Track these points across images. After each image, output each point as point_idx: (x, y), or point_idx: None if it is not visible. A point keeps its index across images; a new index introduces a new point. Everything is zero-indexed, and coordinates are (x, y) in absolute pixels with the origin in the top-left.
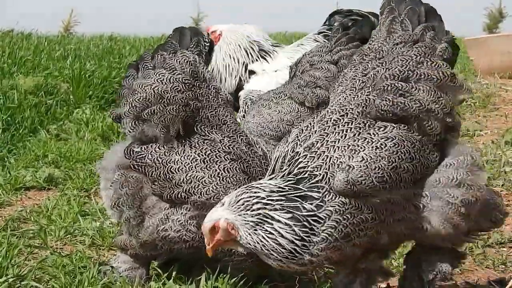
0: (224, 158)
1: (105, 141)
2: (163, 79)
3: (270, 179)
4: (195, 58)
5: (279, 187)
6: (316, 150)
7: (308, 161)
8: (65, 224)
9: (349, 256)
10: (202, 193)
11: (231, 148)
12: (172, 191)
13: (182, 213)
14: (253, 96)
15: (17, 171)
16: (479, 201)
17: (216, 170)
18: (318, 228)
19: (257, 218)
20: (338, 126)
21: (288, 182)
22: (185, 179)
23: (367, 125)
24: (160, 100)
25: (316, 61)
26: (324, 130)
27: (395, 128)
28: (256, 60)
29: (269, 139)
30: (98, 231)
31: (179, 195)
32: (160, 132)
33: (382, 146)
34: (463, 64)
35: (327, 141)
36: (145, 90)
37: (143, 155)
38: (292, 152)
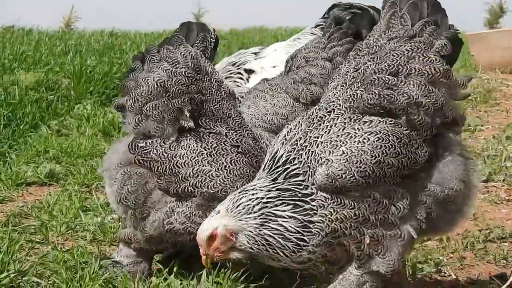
0: (231, 151)
1: (106, 137)
2: (167, 73)
3: (259, 179)
4: (197, 52)
5: (274, 184)
6: (300, 146)
7: (294, 158)
8: (66, 219)
9: (339, 256)
10: (210, 186)
11: (237, 142)
12: (178, 186)
13: (187, 205)
14: None
15: (18, 166)
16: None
17: (223, 163)
18: (313, 219)
19: (261, 219)
20: (324, 122)
21: (279, 178)
22: (191, 173)
23: (352, 120)
24: (164, 94)
25: (312, 58)
26: (309, 127)
27: (381, 123)
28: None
29: (264, 131)
30: (100, 227)
31: (185, 189)
32: (164, 126)
33: (364, 141)
34: (464, 59)
35: (311, 136)
36: (149, 83)
37: (148, 150)
38: (280, 152)
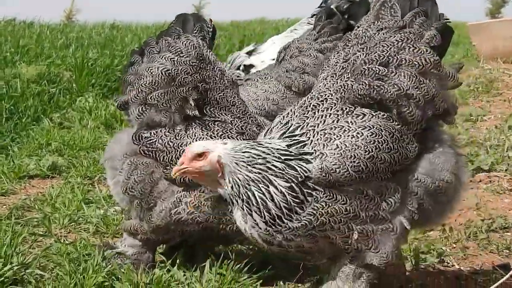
0: (237, 138)
1: (108, 129)
2: (171, 62)
3: (271, 138)
4: (198, 41)
5: (285, 150)
6: (296, 135)
7: (304, 132)
8: (69, 212)
9: (320, 248)
10: None
11: (242, 129)
12: None
13: (195, 195)
14: None
15: (21, 159)
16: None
17: None
18: (306, 207)
19: (256, 176)
20: (318, 111)
21: (292, 144)
22: None
23: (345, 112)
24: (169, 83)
25: (305, 48)
26: (304, 115)
27: (374, 117)
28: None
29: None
30: (102, 219)
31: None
32: (170, 115)
33: (358, 135)
34: (466, 49)
35: (308, 123)
36: (153, 73)
37: (153, 140)
38: (293, 124)
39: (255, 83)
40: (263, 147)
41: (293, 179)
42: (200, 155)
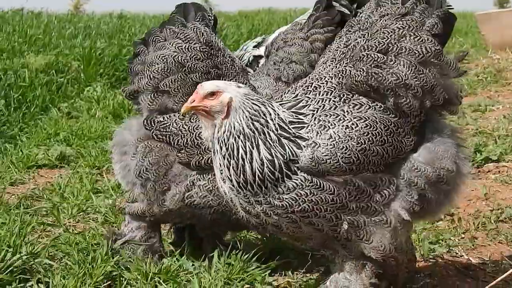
0: None
1: (116, 119)
2: (182, 48)
3: (285, 98)
4: (206, 28)
5: (287, 127)
6: (301, 114)
7: (309, 113)
8: (77, 201)
9: (306, 235)
10: None
11: None
12: (201, 157)
13: (209, 178)
14: None
15: (29, 149)
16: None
17: None
18: (281, 189)
19: (249, 131)
20: (319, 94)
21: (293, 122)
22: None
23: (342, 100)
24: (181, 69)
25: (289, 38)
26: (306, 94)
27: (371, 108)
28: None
29: None
30: (111, 208)
31: (209, 161)
32: (184, 100)
33: (353, 126)
34: (474, 39)
35: (310, 104)
36: (164, 60)
37: (167, 124)
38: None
39: (248, 82)
40: (271, 109)
41: (278, 156)
42: (212, 94)
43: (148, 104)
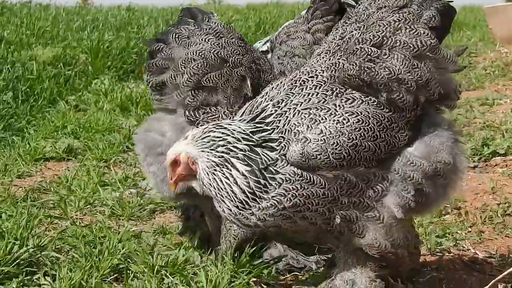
0: None
1: (123, 112)
2: (218, 44)
3: (240, 120)
4: (229, 25)
5: (247, 135)
6: (281, 110)
7: (273, 120)
8: (84, 194)
9: (303, 228)
10: None
11: None
12: None
13: None
14: None
15: (37, 142)
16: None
17: None
18: (270, 191)
19: (219, 160)
20: (306, 88)
21: (256, 131)
22: None
23: (334, 93)
24: (224, 64)
25: (292, 31)
26: (291, 90)
27: (363, 103)
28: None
29: None
30: (118, 201)
31: None
32: (228, 95)
33: (344, 121)
34: (482, 32)
35: (292, 101)
36: (203, 56)
37: (215, 116)
38: (262, 104)
39: None
40: (222, 128)
41: (255, 164)
42: (175, 162)
43: (189, 100)
